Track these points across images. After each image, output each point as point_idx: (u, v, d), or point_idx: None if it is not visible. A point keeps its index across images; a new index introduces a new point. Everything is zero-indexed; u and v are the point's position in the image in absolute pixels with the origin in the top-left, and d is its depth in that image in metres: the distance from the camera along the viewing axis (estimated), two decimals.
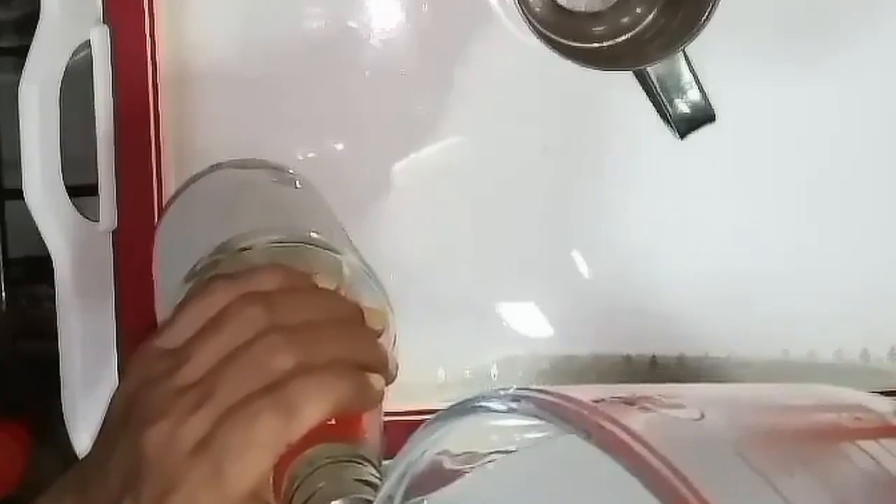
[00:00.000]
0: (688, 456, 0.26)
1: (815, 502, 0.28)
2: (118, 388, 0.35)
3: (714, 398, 0.32)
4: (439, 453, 0.32)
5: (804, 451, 0.29)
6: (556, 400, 0.29)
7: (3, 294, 0.62)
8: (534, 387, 0.30)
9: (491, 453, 0.33)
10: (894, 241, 0.57)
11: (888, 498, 0.29)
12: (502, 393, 0.30)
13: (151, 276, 0.47)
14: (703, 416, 0.30)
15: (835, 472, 0.29)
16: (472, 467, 0.33)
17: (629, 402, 0.30)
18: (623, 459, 0.26)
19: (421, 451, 0.32)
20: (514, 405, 0.29)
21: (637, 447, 0.26)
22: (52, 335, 0.53)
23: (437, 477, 0.32)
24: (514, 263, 0.56)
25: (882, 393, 0.56)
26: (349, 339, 0.36)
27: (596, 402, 0.28)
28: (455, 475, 0.33)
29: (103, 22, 0.51)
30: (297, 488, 0.33)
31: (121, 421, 0.34)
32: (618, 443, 0.26)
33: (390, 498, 0.32)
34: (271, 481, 0.33)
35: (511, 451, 0.32)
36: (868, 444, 0.31)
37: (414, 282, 0.55)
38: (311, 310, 0.36)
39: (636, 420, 0.28)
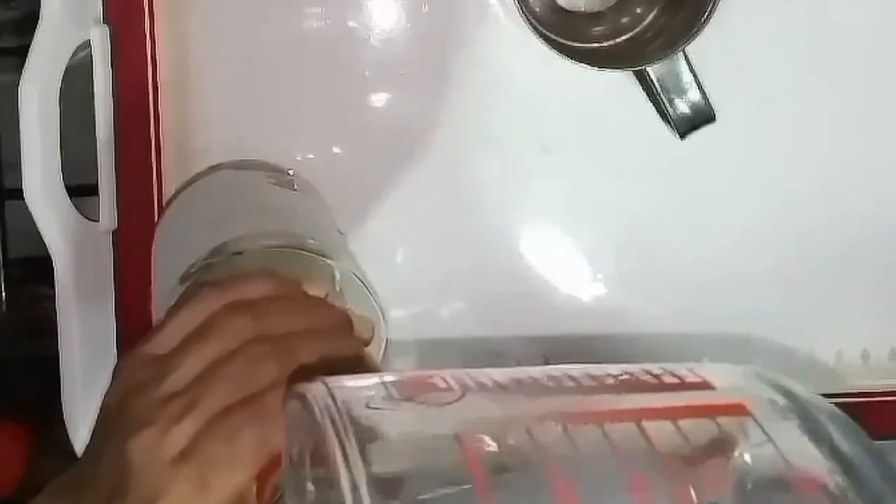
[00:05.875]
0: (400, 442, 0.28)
1: (523, 488, 0.28)
2: (107, 393, 0.35)
3: (511, 380, 0.32)
4: None
5: (552, 434, 0.29)
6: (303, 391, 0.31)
7: (4, 294, 0.62)
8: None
9: None
10: (895, 241, 0.57)
11: (628, 476, 0.29)
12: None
13: (151, 276, 0.47)
14: (462, 396, 0.30)
15: (580, 453, 0.29)
16: None
17: (401, 387, 0.31)
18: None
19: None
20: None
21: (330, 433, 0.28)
22: (52, 335, 0.53)
23: None
24: (516, 263, 0.56)
25: (882, 393, 0.56)
26: (333, 348, 0.36)
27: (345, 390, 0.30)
28: None
29: (103, 22, 0.51)
30: (278, 499, 0.33)
31: (110, 427, 0.34)
32: (320, 430, 0.28)
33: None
34: (255, 489, 0.33)
35: None
36: (653, 424, 0.30)
37: (413, 282, 0.55)
38: (297, 319, 0.36)
39: (364, 407, 0.29)
